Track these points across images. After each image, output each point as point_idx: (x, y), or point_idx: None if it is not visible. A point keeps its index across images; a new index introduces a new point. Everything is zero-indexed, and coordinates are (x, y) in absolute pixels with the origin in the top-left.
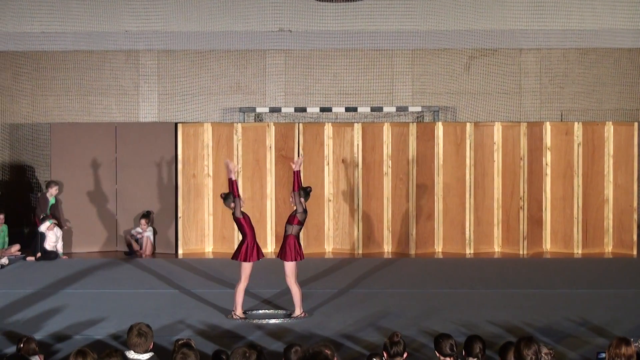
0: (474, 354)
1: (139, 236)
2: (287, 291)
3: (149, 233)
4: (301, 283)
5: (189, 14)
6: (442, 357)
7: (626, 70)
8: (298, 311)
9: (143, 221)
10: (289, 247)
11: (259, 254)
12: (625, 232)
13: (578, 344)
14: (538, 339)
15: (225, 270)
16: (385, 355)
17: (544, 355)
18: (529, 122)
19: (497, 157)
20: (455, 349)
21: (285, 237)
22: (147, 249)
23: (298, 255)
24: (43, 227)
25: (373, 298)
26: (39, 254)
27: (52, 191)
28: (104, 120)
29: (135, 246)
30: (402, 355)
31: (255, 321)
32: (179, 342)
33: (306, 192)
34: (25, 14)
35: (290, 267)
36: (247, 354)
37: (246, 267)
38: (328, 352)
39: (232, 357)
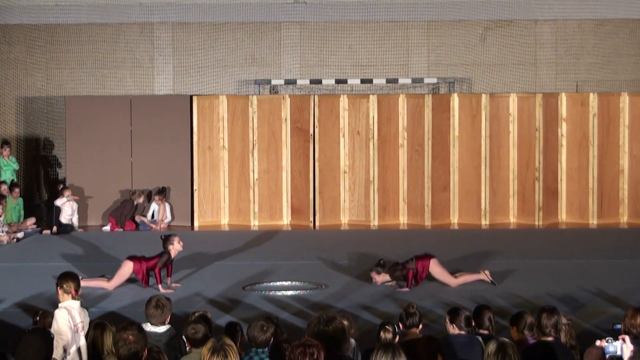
0: (485, 326)
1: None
2: (303, 264)
3: (165, 206)
4: (317, 254)
5: None
6: (457, 330)
7: None
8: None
9: (157, 197)
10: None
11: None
12: None
13: (593, 313)
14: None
15: (241, 242)
16: (401, 326)
17: (563, 325)
18: (544, 93)
19: (513, 128)
20: (471, 322)
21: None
22: (163, 221)
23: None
24: (59, 201)
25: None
26: (54, 227)
27: (139, 200)
28: (119, 93)
29: (147, 221)
30: (417, 327)
31: (271, 293)
32: (195, 314)
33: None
34: None
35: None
36: (265, 327)
37: None
38: (345, 322)
39: (250, 330)
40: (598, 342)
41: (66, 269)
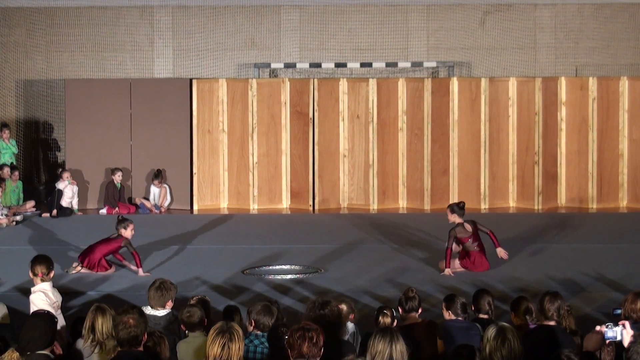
0: (484, 310)
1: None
2: (302, 248)
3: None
4: (316, 238)
5: None
6: (453, 316)
7: None
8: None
9: (156, 182)
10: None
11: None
12: (639, 187)
13: (593, 298)
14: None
15: (240, 226)
16: (400, 310)
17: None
18: (543, 77)
19: (512, 112)
20: (466, 309)
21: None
22: (164, 204)
23: None
24: (61, 184)
25: (389, 253)
26: (55, 211)
27: (117, 178)
28: (119, 76)
29: (148, 205)
30: (417, 311)
31: (271, 277)
32: (194, 299)
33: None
34: None
35: None
36: (272, 310)
37: None
38: (344, 307)
39: (254, 312)
40: (598, 328)
41: (65, 251)
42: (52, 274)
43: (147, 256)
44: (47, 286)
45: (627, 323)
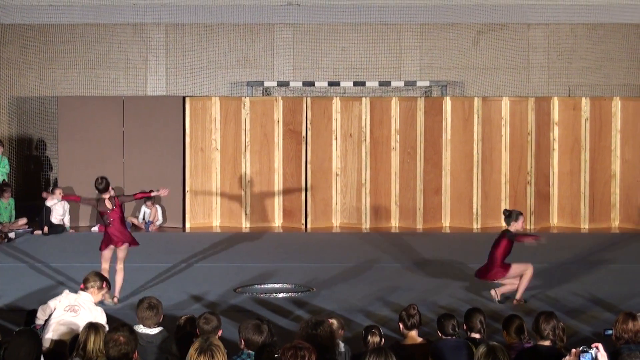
0: (476, 329)
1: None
2: (294, 266)
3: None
4: (308, 257)
5: None
6: (444, 337)
7: (634, 45)
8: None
9: (149, 203)
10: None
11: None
12: (632, 207)
13: (585, 318)
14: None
15: (232, 244)
16: (401, 326)
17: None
18: (536, 97)
19: (505, 132)
20: (457, 329)
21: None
22: (156, 222)
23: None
24: (50, 202)
25: (381, 272)
26: (45, 228)
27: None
28: (112, 94)
29: (137, 222)
30: (418, 327)
31: (262, 295)
32: (182, 318)
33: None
34: None
35: None
36: (260, 327)
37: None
38: (334, 323)
39: (243, 330)
40: (574, 351)
41: (57, 269)
42: (90, 290)
43: (139, 274)
44: (82, 297)
45: (600, 346)
